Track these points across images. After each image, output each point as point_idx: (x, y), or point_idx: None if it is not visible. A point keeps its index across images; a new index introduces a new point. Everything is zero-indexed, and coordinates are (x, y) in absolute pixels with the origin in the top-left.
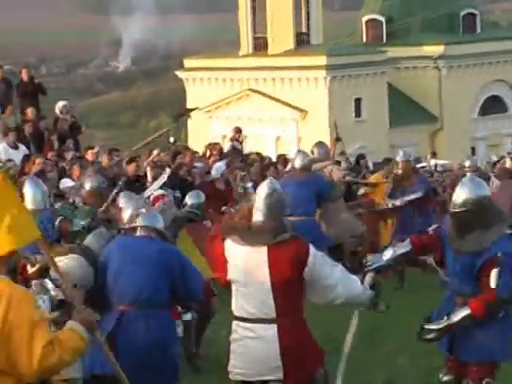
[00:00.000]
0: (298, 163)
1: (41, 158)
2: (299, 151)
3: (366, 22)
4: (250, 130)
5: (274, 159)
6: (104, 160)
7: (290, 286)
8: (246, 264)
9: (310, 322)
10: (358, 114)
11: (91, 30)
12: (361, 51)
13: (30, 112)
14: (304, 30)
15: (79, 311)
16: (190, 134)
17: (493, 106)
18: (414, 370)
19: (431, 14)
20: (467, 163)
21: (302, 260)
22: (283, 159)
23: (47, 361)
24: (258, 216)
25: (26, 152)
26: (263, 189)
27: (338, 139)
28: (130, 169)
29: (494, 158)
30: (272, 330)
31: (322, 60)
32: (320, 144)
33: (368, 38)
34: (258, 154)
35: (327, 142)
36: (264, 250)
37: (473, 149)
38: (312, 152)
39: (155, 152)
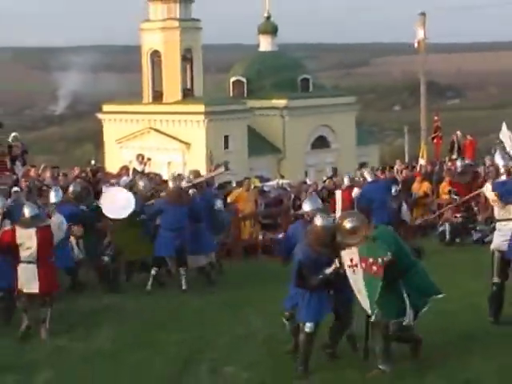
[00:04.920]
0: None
1: None
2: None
3: (233, 82)
4: (149, 156)
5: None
6: (46, 175)
7: None
8: None
9: None
10: (226, 146)
11: (38, 83)
12: (229, 102)
13: None
14: (189, 86)
15: None
16: (107, 159)
17: (320, 142)
18: None
19: (278, 77)
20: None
21: None
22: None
23: None
24: None
25: None
26: None
27: (226, 167)
28: (46, 175)
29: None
30: None
31: (201, 108)
32: None
33: (234, 93)
34: (156, 174)
35: (204, 166)
36: None
37: (306, 173)
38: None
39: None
